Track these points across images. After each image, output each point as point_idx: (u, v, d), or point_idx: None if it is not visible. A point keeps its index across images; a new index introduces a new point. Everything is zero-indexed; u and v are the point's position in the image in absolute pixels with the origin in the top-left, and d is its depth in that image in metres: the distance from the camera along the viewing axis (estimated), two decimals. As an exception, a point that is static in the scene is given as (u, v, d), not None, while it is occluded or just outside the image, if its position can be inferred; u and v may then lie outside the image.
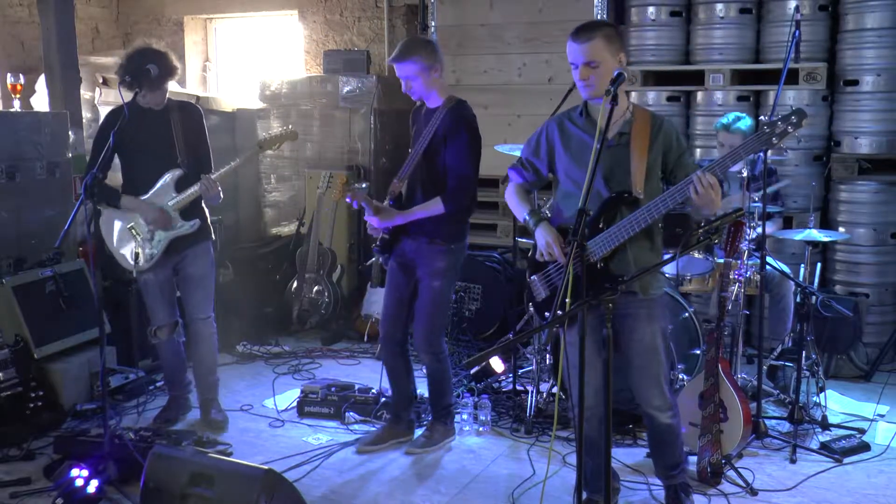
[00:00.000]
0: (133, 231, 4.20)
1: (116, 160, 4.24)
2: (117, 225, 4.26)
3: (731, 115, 4.88)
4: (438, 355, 4.08)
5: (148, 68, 3.97)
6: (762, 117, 4.13)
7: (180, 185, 4.19)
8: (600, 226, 3.12)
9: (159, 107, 4.20)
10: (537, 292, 3.34)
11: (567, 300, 2.82)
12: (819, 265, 5.24)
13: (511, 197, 3.46)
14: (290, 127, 4.45)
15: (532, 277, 3.36)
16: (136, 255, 4.17)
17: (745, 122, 4.85)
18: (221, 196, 4.23)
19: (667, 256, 3.17)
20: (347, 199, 3.94)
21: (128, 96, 4.04)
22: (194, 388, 4.56)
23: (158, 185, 4.19)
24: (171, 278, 4.35)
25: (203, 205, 4.33)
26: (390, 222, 3.95)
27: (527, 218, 3.33)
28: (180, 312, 4.46)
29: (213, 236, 4.45)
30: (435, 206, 3.88)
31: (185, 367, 4.56)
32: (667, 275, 4.43)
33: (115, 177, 4.35)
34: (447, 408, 4.21)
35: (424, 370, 4.18)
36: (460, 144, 3.87)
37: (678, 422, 3.39)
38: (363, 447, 4.14)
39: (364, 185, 4.20)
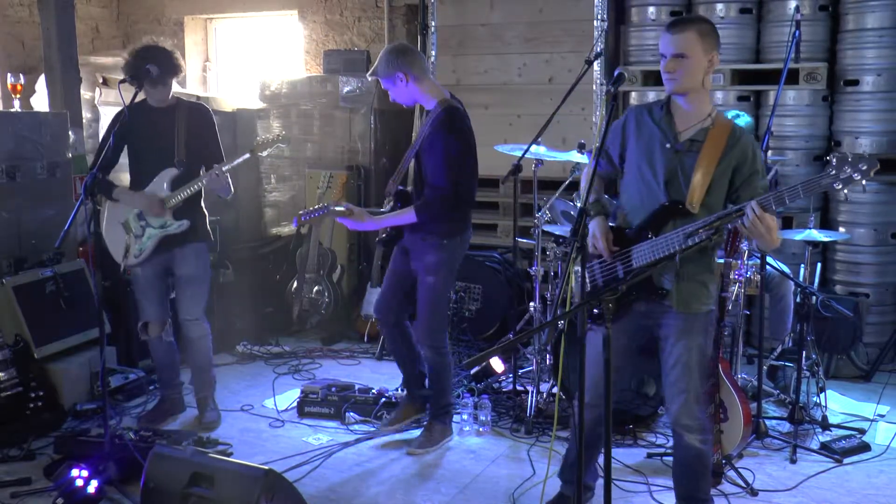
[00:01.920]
0: (125, 226, 4.24)
1: (123, 159, 4.28)
2: (113, 220, 4.30)
3: (732, 114, 4.88)
4: (439, 350, 4.11)
5: (148, 68, 3.99)
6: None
7: (175, 184, 4.21)
8: (648, 234, 3.00)
9: (164, 104, 4.22)
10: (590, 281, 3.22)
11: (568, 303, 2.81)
12: (819, 265, 5.25)
13: (584, 179, 3.34)
14: (282, 133, 4.43)
15: (589, 264, 3.21)
16: (127, 249, 4.22)
17: (745, 118, 4.87)
18: (232, 189, 4.23)
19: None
20: (294, 224, 3.97)
21: (128, 95, 4.04)
22: (190, 389, 4.58)
23: (153, 182, 4.22)
24: (164, 278, 4.38)
25: (202, 205, 4.34)
26: (362, 226, 3.98)
27: (587, 207, 3.13)
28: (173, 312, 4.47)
29: (212, 238, 4.45)
30: (407, 215, 3.91)
31: (178, 367, 4.57)
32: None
33: (123, 177, 4.38)
34: (445, 407, 4.22)
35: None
36: (436, 155, 3.86)
37: (710, 450, 3.20)
38: (384, 427, 4.29)
39: (339, 208, 3.97)
